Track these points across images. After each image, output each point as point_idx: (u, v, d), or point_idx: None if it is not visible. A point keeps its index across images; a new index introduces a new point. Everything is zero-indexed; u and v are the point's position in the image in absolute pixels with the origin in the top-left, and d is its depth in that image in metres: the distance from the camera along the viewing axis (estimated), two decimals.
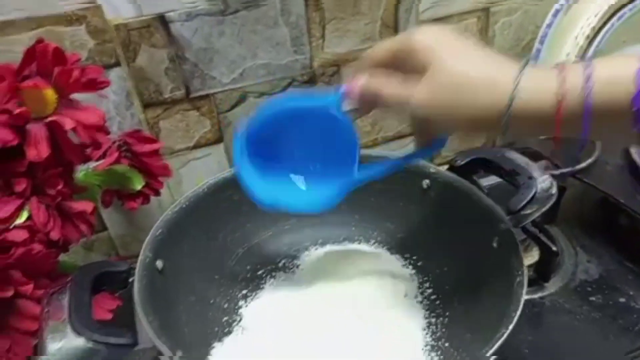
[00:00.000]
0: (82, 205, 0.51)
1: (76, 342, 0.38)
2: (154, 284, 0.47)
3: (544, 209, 0.51)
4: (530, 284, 0.60)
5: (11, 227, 0.46)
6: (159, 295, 0.47)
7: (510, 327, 0.39)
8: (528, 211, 0.50)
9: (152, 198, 0.65)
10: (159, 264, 0.49)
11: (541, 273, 0.65)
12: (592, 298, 0.64)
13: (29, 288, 0.46)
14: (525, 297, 0.44)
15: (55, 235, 0.48)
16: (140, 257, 0.48)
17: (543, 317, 0.62)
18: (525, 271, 0.46)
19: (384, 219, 0.63)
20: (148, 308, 0.43)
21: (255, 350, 0.50)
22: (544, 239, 0.64)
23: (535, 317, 0.62)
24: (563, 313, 0.62)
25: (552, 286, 0.66)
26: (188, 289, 0.52)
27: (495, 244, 0.51)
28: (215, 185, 0.59)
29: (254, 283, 0.58)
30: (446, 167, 0.60)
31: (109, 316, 0.50)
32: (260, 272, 0.60)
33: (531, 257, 0.66)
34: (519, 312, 0.41)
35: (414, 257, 0.60)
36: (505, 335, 0.39)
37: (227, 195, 0.59)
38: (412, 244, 0.61)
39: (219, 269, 0.58)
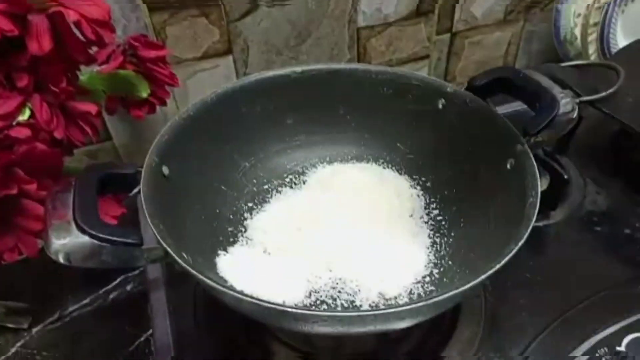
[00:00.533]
0: (87, 106, 0.49)
1: (81, 239, 0.37)
2: (159, 189, 0.46)
3: (562, 133, 0.50)
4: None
5: (14, 123, 0.44)
6: (164, 201, 0.46)
7: (520, 243, 0.39)
8: (545, 134, 0.48)
9: (158, 109, 0.64)
10: (165, 169, 0.48)
11: (548, 201, 0.64)
12: (597, 228, 0.64)
13: (32, 187, 0.45)
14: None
15: (59, 134, 0.47)
16: (147, 161, 0.46)
17: (546, 245, 0.63)
18: (539, 193, 0.45)
19: (395, 139, 0.61)
20: (154, 211, 0.42)
21: (261, 259, 0.50)
22: (555, 165, 0.63)
23: (538, 244, 0.62)
24: (567, 241, 0.63)
25: (558, 215, 0.66)
26: (193, 197, 0.52)
27: (509, 166, 0.49)
28: (224, 95, 0.56)
29: (259, 197, 0.58)
30: (464, 87, 0.58)
31: (114, 222, 0.50)
32: (266, 187, 0.59)
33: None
34: (528, 231, 0.41)
35: (423, 179, 0.59)
36: (512, 252, 0.39)
37: (235, 107, 0.57)
38: (422, 165, 0.60)
39: (225, 180, 0.57)
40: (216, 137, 0.56)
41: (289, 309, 0.36)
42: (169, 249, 0.38)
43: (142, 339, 0.54)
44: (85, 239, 0.37)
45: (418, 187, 0.58)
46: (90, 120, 0.50)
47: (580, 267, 0.59)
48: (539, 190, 0.44)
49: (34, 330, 0.56)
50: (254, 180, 0.59)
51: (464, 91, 0.56)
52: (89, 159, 0.73)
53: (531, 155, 0.47)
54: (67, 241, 0.37)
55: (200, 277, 0.37)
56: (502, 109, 0.57)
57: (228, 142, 0.58)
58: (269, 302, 0.35)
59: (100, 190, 0.44)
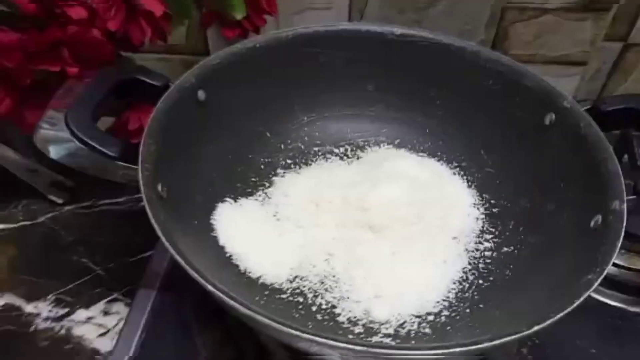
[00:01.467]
0: (152, 5, 0.47)
1: (64, 134, 0.35)
2: (185, 112, 0.43)
3: None
4: (631, 292, 0.47)
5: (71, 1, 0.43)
6: (186, 127, 0.43)
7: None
8: None
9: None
10: (202, 94, 0.45)
11: None
12: None
13: (74, 70, 0.45)
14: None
15: (113, 25, 0.45)
16: (182, 78, 0.43)
17: (623, 335, 0.48)
18: (604, 271, 0.33)
19: (482, 144, 0.50)
20: (157, 130, 0.39)
21: (264, 221, 0.45)
22: None
23: (615, 331, 0.48)
24: None
25: None
26: (227, 134, 0.48)
27: (593, 224, 0.37)
28: (304, 37, 0.50)
29: (303, 157, 0.52)
30: (587, 106, 0.45)
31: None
32: (315, 149, 0.53)
33: None
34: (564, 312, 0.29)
35: (492, 201, 0.48)
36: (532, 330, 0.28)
37: (313, 53, 0.51)
38: (498, 185, 0.48)
39: (273, 128, 0.52)
40: (280, 79, 0.51)
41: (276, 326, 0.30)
42: (140, 173, 0.35)
43: (145, 254, 0.53)
44: (65, 135, 0.35)
45: (481, 209, 0.47)
46: (153, 21, 0.47)
47: None
48: (608, 265, 0.32)
49: (66, 208, 0.58)
50: (306, 138, 0.53)
51: (582, 111, 0.43)
52: (184, 69, 0.72)
53: (624, 215, 0.35)
54: (51, 132, 0.36)
55: (157, 228, 0.32)
56: None
57: (292, 89, 0.52)
58: (236, 301, 0.30)
59: (125, 95, 0.42)
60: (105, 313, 0.50)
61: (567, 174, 0.42)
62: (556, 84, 0.69)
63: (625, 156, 0.48)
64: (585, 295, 0.30)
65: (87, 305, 0.50)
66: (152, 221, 0.33)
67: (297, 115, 0.53)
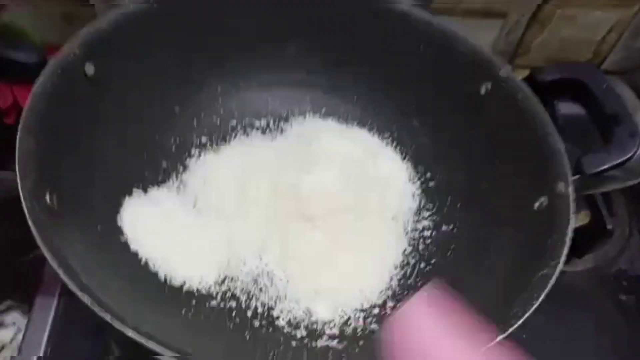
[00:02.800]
0: None
1: None
2: (73, 92, 0.35)
3: (630, 183, 0.35)
4: None
5: None
6: (76, 108, 0.35)
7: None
8: (607, 182, 0.34)
9: None
10: (90, 68, 0.36)
11: (577, 244, 0.50)
12: (622, 297, 0.50)
13: None
14: None
15: None
16: (62, 51, 0.34)
17: (553, 295, 0.49)
18: (561, 257, 0.32)
19: (414, 112, 0.47)
20: (36, 120, 0.31)
21: (183, 214, 0.39)
22: (603, 210, 0.49)
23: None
24: (579, 299, 0.50)
25: (582, 263, 0.52)
26: (127, 111, 0.40)
27: (537, 205, 0.36)
28: None
29: (219, 133, 0.45)
30: (524, 73, 0.43)
31: None
32: (233, 123, 0.46)
33: (578, 220, 0.51)
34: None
35: (428, 174, 0.45)
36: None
37: (223, 10, 0.43)
38: (434, 157, 0.46)
39: (181, 101, 0.44)
40: (185, 42, 0.43)
41: None
42: (20, 182, 0.27)
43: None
44: None
45: (417, 184, 0.45)
46: None
47: (582, 334, 0.46)
48: (562, 258, 0.31)
49: None
50: (221, 111, 0.46)
51: (519, 81, 0.40)
52: (62, 23, 0.61)
53: (571, 201, 0.34)
54: None
55: (46, 252, 0.26)
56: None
57: (201, 53, 0.44)
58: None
59: None
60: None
61: (504, 148, 0.41)
62: (475, 36, 0.68)
63: None
64: (541, 298, 0.29)
65: None
66: (40, 244, 0.26)
67: (209, 83, 0.46)
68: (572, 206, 0.33)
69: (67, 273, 0.25)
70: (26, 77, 0.33)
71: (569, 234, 0.32)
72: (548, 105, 0.43)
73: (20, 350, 0.39)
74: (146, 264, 0.36)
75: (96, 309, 0.24)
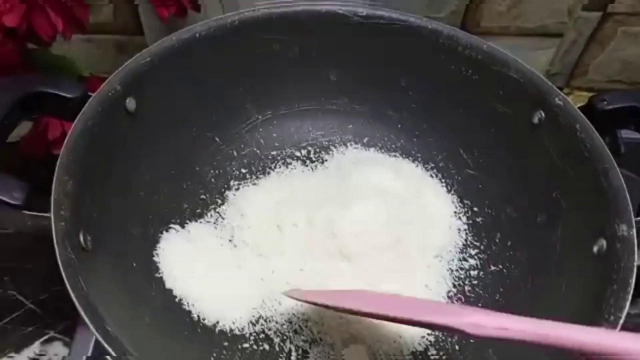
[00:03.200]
0: None
1: None
2: (113, 129, 0.35)
3: None
4: None
5: None
6: (115, 144, 0.35)
7: None
8: None
9: (195, 14, 0.51)
10: (131, 103, 0.37)
11: None
12: None
13: None
14: None
15: (10, 21, 0.36)
16: (103, 87, 0.35)
17: None
18: (624, 309, 0.28)
19: (460, 142, 0.45)
20: (81, 163, 0.31)
21: (219, 250, 0.38)
22: None
23: None
24: None
25: None
26: (167, 143, 0.40)
27: (596, 249, 0.32)
28: (252, 21, 0.42)
29: (259, 164, 0.45)
30: (581, 102, 0.40)
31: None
32: (273, 153, 0.46)
33: None
34: None
35: (475, 209, 0.43)
36: None
37: (264, 41, 0.43)
38: (481, 190, 0.43)
39: (222, 131, 0.44)
40: (226, 73, 0.43)
41: None
42: (54, 224, 0.27)
43: None
44: None
45: (463, 219, 0.42)
46: (65, 9, 0.38)
47: None
48: (623, 313, 0.28)
49: None
50: (262, 141, 0.46)
51: (575, 110, 0.37)
52: (116, 50, 0.63)
53: (635, 244, 0.30)
54: None
55: (76, 302, 0.25)
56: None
57: (242, 84, 0.44)
58: None
59: (33, 110, 0.34)
60: (41, 356, 0.43)
61: (560, 182, 0.37)
62: (530, 56, 0.65)
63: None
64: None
65: (18, 349, 0.43)
66: (70, 292, 0.26)
67: (250, 115, 0.46)
68: (635, 250, 0.30)
69: (92, 318, 0.25)
70: (68, 112, 0.34)
71: (632, 283, 0.28)
72: (609, 132, 0.40)
73: None
74: (180, 301, 0.35)
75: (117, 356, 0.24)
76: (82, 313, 0.25)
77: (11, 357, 0.42)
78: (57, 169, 0.30)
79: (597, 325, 0.28)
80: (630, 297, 0.28)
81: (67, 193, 0.30)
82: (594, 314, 0.29)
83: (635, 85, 0.67)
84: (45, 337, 0.44)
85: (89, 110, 0.33)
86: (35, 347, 0.43)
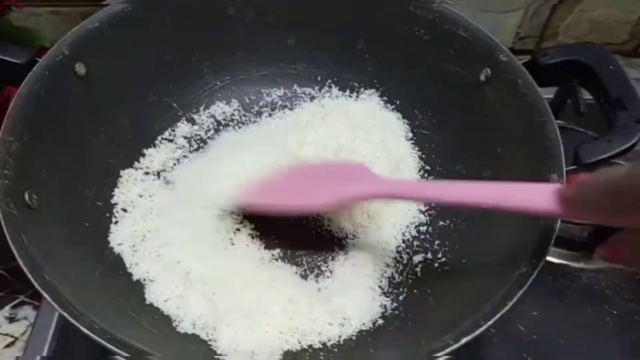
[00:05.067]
0: None
1: None
2: (62, 93, 0.36)
3: None
4: (574, 247, 0.44)
5: None
6: (66, 107, 0.36)
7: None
8: None
9: None
10: (81, 67, 0.37)
11: (594, 240, 0.47)
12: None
13: None
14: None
15: None
16: (50, 52, 0.35)
17: (568, 295, 0.46)
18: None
19: (415, 103, 0.45)
20: (27, 125, 0.32)
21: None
22: None
23: (559, 290, 0.46)
24: (597, 299, 0.46)
25: (593, 264, 0.48)
26: (122, 109, 0.41)
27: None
28: None
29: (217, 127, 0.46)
30: (525, 58, 0.40)
31: None
32: (232, 117, 0.46)
33: None
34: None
35: (427, 167, 0.44)
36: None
37: (220, 3, 0.43)
38: (431, 149, 0.44)
39: (179, 96, 0.45)
40: (182, 38, 0.43)
41: None
42: None
43: None
44: None
45: (417, 177, 0.43)
46: None
47: (597, 337, 0.43)
48: (544, 258, 0.29)
49: None
50: (220, 107, 0.46)
51: (520, 66, 0.38)
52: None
53: None
54: None
55: (18, 257, 0.27)
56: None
57: (198, 49, 0.45)
58: None
59: None
60: (11, 320, 0.44)
61: (504, 137, 0.38)
62: (499, 19, 0.65)
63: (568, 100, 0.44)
64: (517, 297, 0.27)
65: None
66: (10, 243, 0.27)
67: (208, 80, 0.46)
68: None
69: (30, 267, 0.26)
70: (17, 78, 0.35)
71: (556, 230, 0.29)
72: (570, 91, 0.40)
73: (25, 350, 0.41)
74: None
75: (54, 304, 0.25)
76: (20, 262, 0.26)
77: None
78: (1, 130, 0.31)
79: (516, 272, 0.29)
80: (552, 241, 0.29)
81: (12, 153, 0.30)
82: (517, 263, 0.30)
83: (606, 45, 0.67)
84: (16, 301, 0.45)
85: (36, 74, 0.34)
86: (5, 311, 0.44)
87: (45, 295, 0.25)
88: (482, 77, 0.40)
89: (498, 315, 0.26)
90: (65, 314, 0.25)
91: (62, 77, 0.36)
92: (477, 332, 0.26)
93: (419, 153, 0.44)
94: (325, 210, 0.38)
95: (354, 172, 0.36)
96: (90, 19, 0.38)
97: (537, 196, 0.26)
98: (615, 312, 0.44)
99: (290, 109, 0.47)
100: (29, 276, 0.26)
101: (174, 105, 0.45)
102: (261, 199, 0.36)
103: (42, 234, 0.30)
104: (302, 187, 0.37)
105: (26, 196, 0.30)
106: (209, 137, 0.45)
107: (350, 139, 0.44)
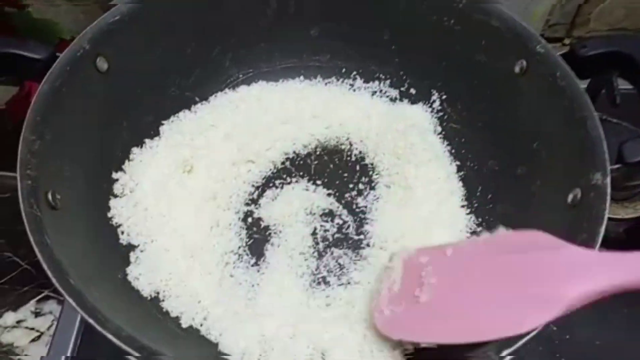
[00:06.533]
0: None
1: None
2: (84, 88, 0.35)
3: None
4: (614, 245, 0.43)
5: None
6: (90, 107, 0.36)
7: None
8: None
9: None
10: (102, 62, 0.36)
11: (631, 236, 0.45)
12: None
13: None
14: None
15: None
16: (71, 47, 0.35)
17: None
18: None
19: (441, 99, 0.44)
20: (49, 123, 0.32)
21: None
22: None
23: None
24: (634, 299, 0.43)
25: None
26: (144, 104, 0.40)
27: (570, 198, 0.32)
28: None
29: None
30: (563, 49, 0.38)
31: None
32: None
33: (633, 209, 0.45)
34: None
35: (457, 163, 0.42)
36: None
37: None
38: (464, 143, 0.43)
39: (201, 90, 0.44)
40: (203, 30, 0.42)
41: None
42: (20, 182, 0.28)
43: None
44: None
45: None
46: None
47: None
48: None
49: None
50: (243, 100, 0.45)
51: (558, 58, 0.36)
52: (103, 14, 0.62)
53: (608, 194, 0.30)
54: None
55: (42, 261, 0.26)
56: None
57: (220, 41, 0.43)
58: None
59: (2, 71, 0.34)
60: (37, 314, 0.44)
61: (541, 132, 0.37)
62: (528, 5, 0.62)
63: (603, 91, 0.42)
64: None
65: (15, 307, 0.44)
66: (35, 248, 0.26)
67: (231, 73, 0.45)
68: (608, 200, 0.29)
69: (55, 273, 0.25)
70: (38, 74, 0.34)
71: (601, 232, 0.28)
72: (606, 81, 0.38)
73: (49, 348, 0.40)
74: None
75: (80, 311, 0.25)
76: (45, 266, 0.26)
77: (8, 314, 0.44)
78: (23, 129, 0.30)
79: None
80: (598, 245, 0.28)
81: (34, 152, 0.30)
82: None
83: None
84: (40, 295, 0.45)
85: (57, 70, 0.33)
86: (31, 306, 0.44)
87: (71, 301, 0.25)
88: (517, 69, 0.38)
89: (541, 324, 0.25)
90: (91, 321, 0.24)
91: (83, 72, 0.35)
92: (520, 343, 0.25)
93: (449, 147, 0.43)
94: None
95: (545, 261, 0.25)
96: (110, 12, 0.37)
97: None
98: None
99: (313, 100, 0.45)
100: (54, 281, 0.25)
101: (196, 99, 0.44)
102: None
103: (66, 235, 0.29)
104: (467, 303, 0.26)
105: (49, 196, 0.30)
106: None
107: (375, 133, 0.43)
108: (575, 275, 0.23)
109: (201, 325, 0.34)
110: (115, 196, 0.37)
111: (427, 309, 0.27)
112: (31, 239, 0.26)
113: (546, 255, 0.25)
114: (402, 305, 0.29)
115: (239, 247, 0.38)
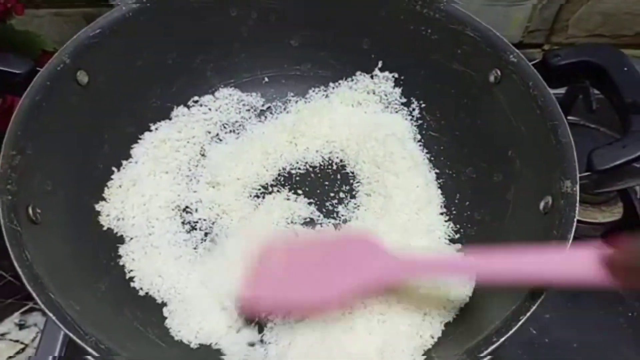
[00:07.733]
0: None
1: None
2: (64, 102, 0.35)
3: None
4: None
5: None
6: (71, 120, 0.36)
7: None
8: (627, 178, 0.31)
9: None
10: (82, 76, 0.37)
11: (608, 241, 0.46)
12: None
13: None
14: None
15: None
16: (52, 61, 0.35)
17: (581, 297, 0.45)
18: None
19: (419, 107, 0.44)
20: (29, 138, 0.32)
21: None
22: (637, 204, 0.44)
23: (572, 292, 0.45)
24: (611, 301, 0.45)
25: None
26: (125, 116, 0.41)
27: (542, 206, 0.33)
28: None
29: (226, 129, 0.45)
30: (534, 51, 0.39)
31: None
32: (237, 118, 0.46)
33: (610, 213, 0.46)
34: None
35: (436, 170, 0.43)
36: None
37: (223, 6, 0.43)
38: (440, 151, 0.43)
39: (183, 100, 0.44)
40: (184, 41, 0.43)
41: None
42: None
43: None
44: None
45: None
46: None
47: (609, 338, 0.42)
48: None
49: None
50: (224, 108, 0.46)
51: (530, 68, 0.37)
52: (86, 24, 0.62)
53: (577, 201, 0.30)
54: None
55: (13, 256, 0.26)
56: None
57: (201, 52, 0.44)
58: None
59: None
60: (21, 326, 0.44)
61: (515, 140, 0.37)
62: (507, 12, 0.63)
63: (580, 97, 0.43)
64: (533, 308, 0.26)
65: None
66: (14, 262, 0.27)
67: (212, 83, 0.46)
68: (577, 207, 0.30)
69: (34, 287, 0.26)
70: (18, 88, 0.34)
71: (570, 238, 0.29)
72: (582, 88, 0.39)
73: (37, 351, 0.40)
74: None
75: (60, 325, 0.25)
76: (25, 281, 0.26)
77: None
78: (3, 144, 0.30)
79: None
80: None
81: (14, 167, 0.30)
82: None
83: (618, 38, 0.66)
84: (25, 308, 0.45)
85: (37, 85, 0.34)
86: (15, 318, 0.44)
87: (51, 315, 0.25)
88: (492, 78, 0.39)
89: (511, 332, 0.26)
90: (70, 334, 0.25)
91: (64, 87, 0.35)
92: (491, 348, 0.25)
93: (428, 155, 0.43)
94: (328, 307, 0.33)
95: (361, 253, 0.33)
96: (91, 26, 0.37)
97: (580, 264, 0.26)
98: (630, 314, 0.44)
99: (294, 112, 0.46)
100: (34, 295, 0.26)
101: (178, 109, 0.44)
102: (257, 292, 0.33)
103: (47, 249, 0.30)
104: (301, 275, 0.33)
105: (30, 211, 0.30)
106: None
107: (355, 142, 0.44)
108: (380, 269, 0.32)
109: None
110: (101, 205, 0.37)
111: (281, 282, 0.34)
112: (11, 253, 0.27)
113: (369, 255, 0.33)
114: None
115: None
